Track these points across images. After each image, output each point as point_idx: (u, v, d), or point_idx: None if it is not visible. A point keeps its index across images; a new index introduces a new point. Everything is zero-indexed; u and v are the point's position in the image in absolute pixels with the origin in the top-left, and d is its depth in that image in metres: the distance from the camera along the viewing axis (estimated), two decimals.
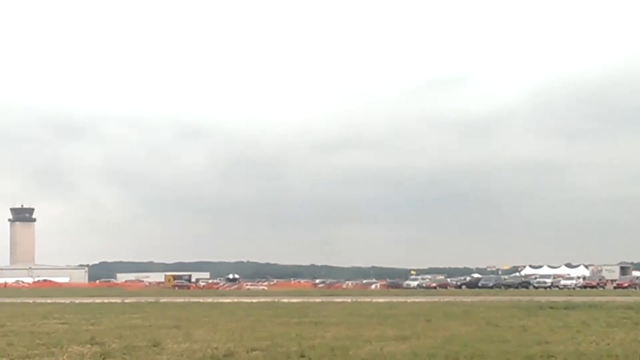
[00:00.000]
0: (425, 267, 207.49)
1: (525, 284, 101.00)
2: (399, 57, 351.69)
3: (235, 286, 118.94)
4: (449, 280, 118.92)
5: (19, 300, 56.38)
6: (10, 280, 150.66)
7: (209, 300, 54.40)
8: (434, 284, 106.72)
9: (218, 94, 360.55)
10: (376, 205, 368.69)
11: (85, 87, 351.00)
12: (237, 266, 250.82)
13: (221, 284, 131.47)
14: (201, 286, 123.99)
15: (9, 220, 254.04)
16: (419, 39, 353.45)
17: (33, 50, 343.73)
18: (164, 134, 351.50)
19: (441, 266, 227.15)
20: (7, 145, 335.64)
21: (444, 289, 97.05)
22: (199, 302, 49.79)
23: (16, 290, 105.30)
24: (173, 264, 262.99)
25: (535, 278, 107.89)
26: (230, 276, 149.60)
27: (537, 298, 50.94)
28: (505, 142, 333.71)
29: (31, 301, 52.93)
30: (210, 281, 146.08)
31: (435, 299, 53.88)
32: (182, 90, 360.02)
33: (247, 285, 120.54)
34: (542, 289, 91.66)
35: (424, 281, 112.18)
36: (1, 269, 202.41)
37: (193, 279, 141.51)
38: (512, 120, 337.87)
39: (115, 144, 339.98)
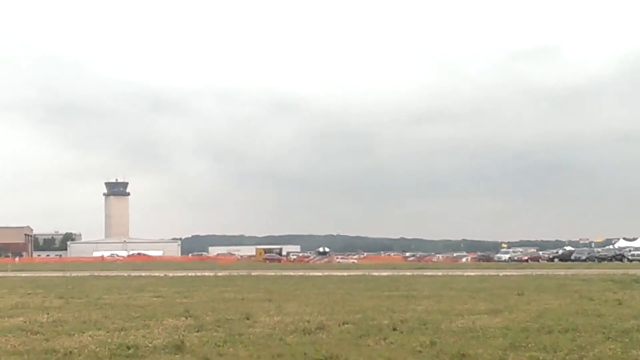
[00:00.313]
0: (517, 240, 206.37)
1: (619, 256, 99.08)
2: (488, 28, 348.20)
3: (326, 259, 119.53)
4: (541, 253, 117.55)
5: (114, 273, 57.49)
6: (106, 254, 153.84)
7: (300, 273, 54.65)
8: (525, 257, 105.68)
9: (308, 68, 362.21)
10: (466, 178, 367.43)
11: (178, 62, 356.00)
12: (328, 239, 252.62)
13: (312, 257, 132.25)
14: (292, 259, 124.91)
15: (104, 194, 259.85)
16: (510, 9, 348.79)
17: (128, 26, 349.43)
18: (256, 108, 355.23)
19: (533, 239, 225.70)
20: (102, 120, 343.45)
21: (536, 262, 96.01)
22: (289, 275, 50.07)
23: (111, 263, 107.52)
24: (264, 237, 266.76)
25: (630, 251, 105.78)
26: (321, 249, 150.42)
27: (631, 271, 49.99)
28: (598, 112, 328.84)
29: (126, 274, 53.90)
30: (300, 254, 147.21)
31: (527, 272, 53.33)
32: (273, 64, 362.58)
33: (337, 258, 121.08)
34: (637, 262, 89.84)
35: (516, 254, 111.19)
36: (97, 243, 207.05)
37: (284, 252, 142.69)
38: (606, 91, 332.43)
39: (207, 118, 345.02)
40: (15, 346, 15.25)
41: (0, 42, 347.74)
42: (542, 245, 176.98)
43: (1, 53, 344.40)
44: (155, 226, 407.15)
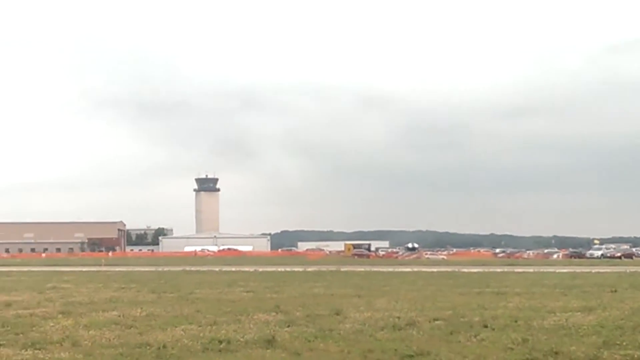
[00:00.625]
0: (609, 236, 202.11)
1: None
2: (584, 20, 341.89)
3: (415, 255, 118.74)
4: (634, 249, 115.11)
5: (205, 268, 58.14)
6: (197, 249, 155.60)
7: (389, 269, 54.62)
8: (618, 254, 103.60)
9: (400, 64, 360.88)
10: (558, 173, 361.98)
11: (268, 59, 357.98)
12: (416, 235, 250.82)
13: (400, 253, 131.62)
14: (380, 255, 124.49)
15: (194, 190, 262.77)
16: (605, 1, 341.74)
17: (218, 24, 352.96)
18: (344, 103, 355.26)
19: (626, 235, 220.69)
20: (192, 117, 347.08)
21: (629, 259, 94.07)
22: (379, 271, 50.05)
23: (202, 258, 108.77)
24: (352, 232, 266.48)
25: None
26: (410, 245, 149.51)
27: None
28: None
29: (217, 269, 54.47)
30: (389, 250, 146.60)
31: (621, 269, 52.36)
32: (362, 59, 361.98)
33: (426, 254, 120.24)
34: None
35: (608, 251, 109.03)
36: (188, 238, 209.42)
37: (372, 248, 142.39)
38: None
39: (296, 114, 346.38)
40: (110, 339, 15.57)
41: (94, 40, 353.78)
42: (635, 241, 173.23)
43: (96, 51, 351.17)
44: (244, 221, 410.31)
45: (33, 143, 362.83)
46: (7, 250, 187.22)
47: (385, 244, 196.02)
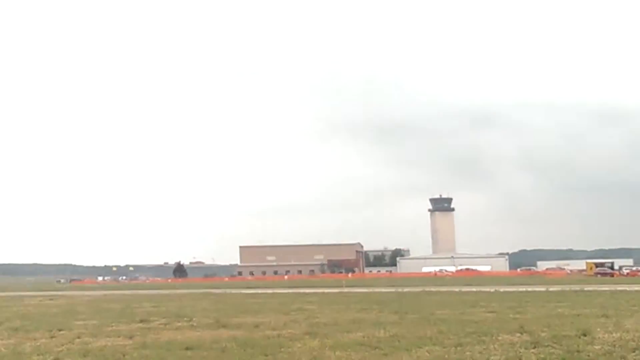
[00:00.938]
0: None
1: None
2: None
3: None
4: None
5: (444, 288, 58.06)
6: (434, 269, 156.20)
7: (636, 288, 52.62)
8: None
9: (632, 77, 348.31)
10: None
11: (500, 77, 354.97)
12: None
13: None
14: (625, 274, 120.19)
15: (429, 210, 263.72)
16: None
17: (450, 47, 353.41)
18: (579, 120, 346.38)
19: None
20: (425, 137, 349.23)
21: None
22: (625, 290, 48.34)
23: (441, 279, 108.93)
24: (593, 250, 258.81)
25: None
26: None
27: None
28: None
29: (456, 290, 54.27)
30: (634, 268, 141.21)
31: None
32: (595, 75, 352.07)
33: None
34: None
35: None
36: (425, 258, 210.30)
37: (616, 266, 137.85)
38: None
39: (531, 132, 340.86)
40: None
41: (327, 66, 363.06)
42: None
43: (328, 77, 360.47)
44: (480, 241, 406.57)
45: (272, 169, 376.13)
46: (251, 273, 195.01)
47: (630, 261, 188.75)
